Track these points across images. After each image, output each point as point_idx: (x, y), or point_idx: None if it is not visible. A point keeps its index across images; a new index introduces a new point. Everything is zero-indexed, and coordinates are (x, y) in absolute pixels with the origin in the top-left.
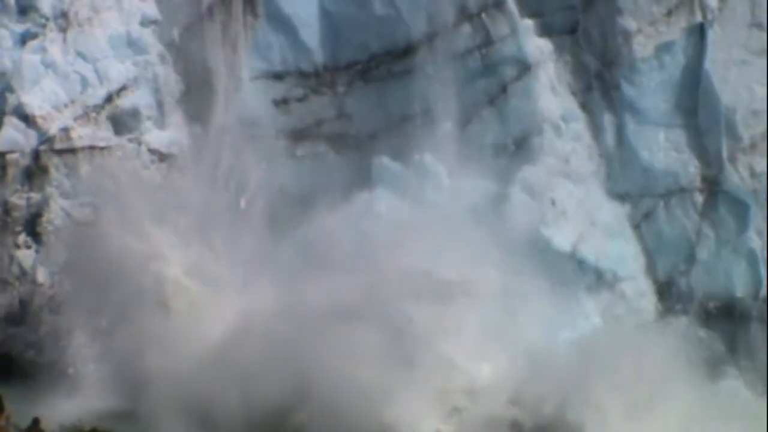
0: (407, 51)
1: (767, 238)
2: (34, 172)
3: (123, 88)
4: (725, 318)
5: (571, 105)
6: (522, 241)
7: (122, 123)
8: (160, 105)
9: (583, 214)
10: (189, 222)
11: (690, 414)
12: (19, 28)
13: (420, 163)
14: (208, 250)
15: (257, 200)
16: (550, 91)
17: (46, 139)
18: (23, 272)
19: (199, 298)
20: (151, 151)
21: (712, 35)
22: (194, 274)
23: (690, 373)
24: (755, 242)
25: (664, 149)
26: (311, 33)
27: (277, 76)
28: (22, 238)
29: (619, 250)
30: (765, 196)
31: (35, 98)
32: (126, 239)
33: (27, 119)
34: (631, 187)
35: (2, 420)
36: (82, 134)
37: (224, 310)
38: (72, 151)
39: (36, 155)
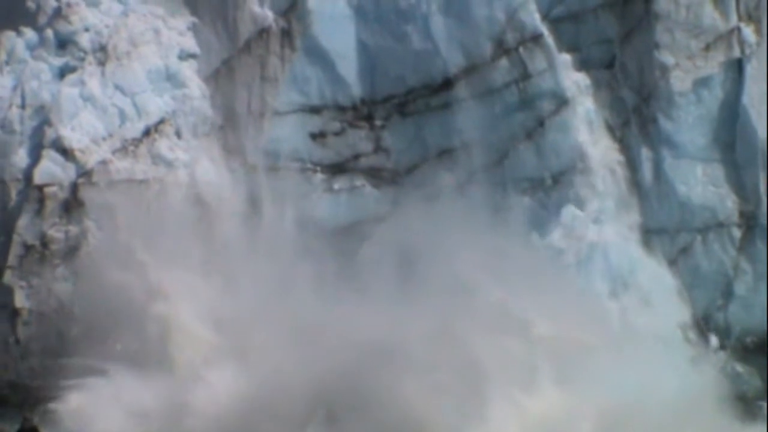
0: (444, 85)
1: None
2: (72, 205)
3: (161, 122)
4: (763, 353)
5: (609, 139)
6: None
7: (160, 157)
8: (197, 139)
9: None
10: (216, 259)
11: None
12: (58, 61)
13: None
14: (230, 291)
15: (292, 235)
16: (587, 125)
17: (84, 173)
18: (61, 305)
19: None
20: (189, 185)
21: (750, 70)
22: (207, 319)
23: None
24: None
25: (701, 183)
26: (349, 66)
27: (315, 110)
28: (60, 271)
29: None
30: None
31: (73, 131)
32: (127, 275)
33: (65, 152)
34: (668, 221)
35: None
36: (120, 167)
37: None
38: (110, 184)
39: (74, 188)
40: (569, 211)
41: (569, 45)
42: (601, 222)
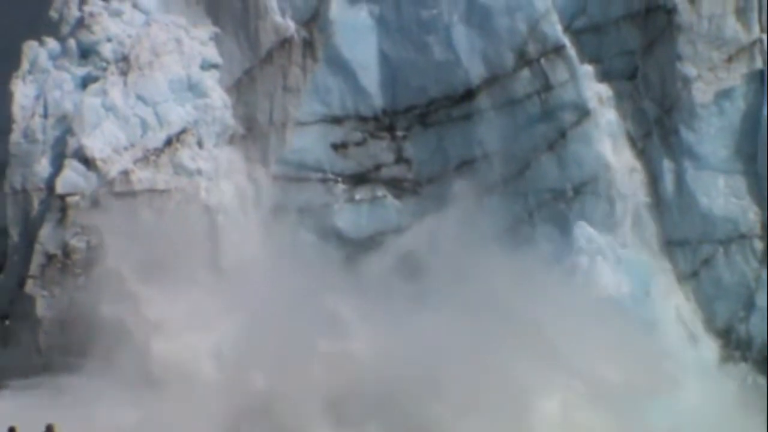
0: (466, 96)
1: None
2: (94, 215)
3: (183, 132)
4: None
5: (630, 151)
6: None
7: (182, 166)
8: (219, 148)
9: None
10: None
11: None
12: (80, 71)
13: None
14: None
15: (312, 246)
16: (609, 136)
17: (106, 182)
18: (82, 314)
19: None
20: (211, 194)
21: None
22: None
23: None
24: None
25: (723, 195)
26: (370, 77)
27: (336, 120)
28: (81, 280)
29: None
30: None
31: (96, 141)
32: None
33: (87, 162)
34: (691, 233)
35: None
36: (141, 177)
37: None
38: (132, 194)
39: (96, 198)
40: (583, 228)
41: (591, 56)
42: (623, 234)
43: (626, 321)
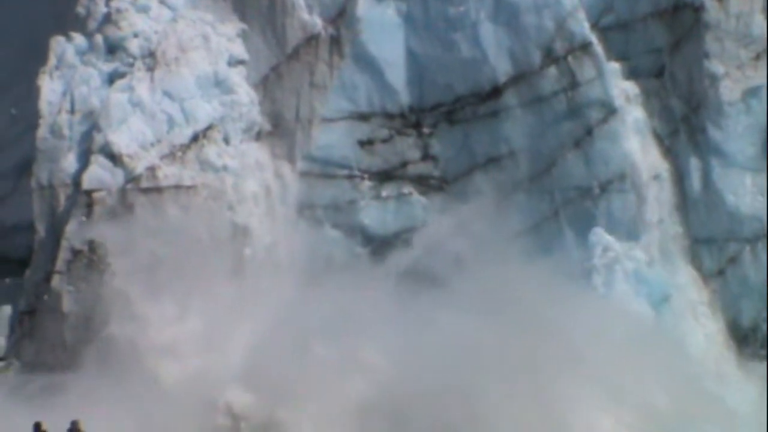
0: (493, 93)
1: None
2: (120, 211)
3: (209, 128)
4: None
5: (657, 148)
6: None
7: (208, 162)
8: (246, 145)
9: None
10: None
11: None
12: (107, 67)
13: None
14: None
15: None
16: (635, 134)
17: (133, 178)
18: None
19: None
20: (236, 190)
21: None
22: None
23: None
24: None
25: (750, 193)
26: (397, 74)
27: (363, 117)
28: (107, 276)
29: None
30: None
31: (122, 137)
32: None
33: (114, 158)
34: (717, 231)
35: None
36: (168, 173)
37: None
38: (158, 189)
39: (122, 194)
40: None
41: (618, 54)
42: (650, 233)
43: (664, 343)
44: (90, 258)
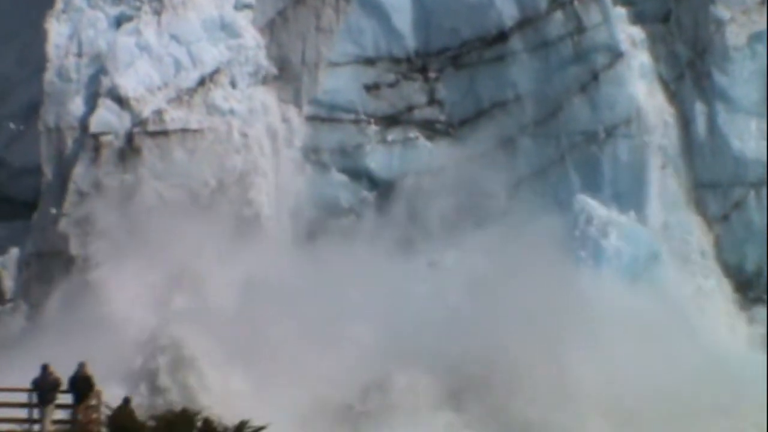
0: (499, 38)
1: None
2: (128, 154)
3: (216, 72)
4: None
5: (663, 93)
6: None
7: (215, 106)
8: (252, 89)
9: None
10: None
11: None
12: (114, 11)
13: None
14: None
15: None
16: (641, 79)
17: (140, 122)
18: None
19: None
20: (243, 134)
21: None
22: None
23: None
24: None
25: (755, 138)
26: (403, 19)
27: (369, 61)
28: (114, 218)
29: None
30: None
31: (129, 80)
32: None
33: (121, 101)
34: (722, 175)
35: (93, 398)
36: (174, 117)
37: None
38: (165, 133)
39: (129, 137)
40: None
41: None
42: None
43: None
44: (97, 200)
